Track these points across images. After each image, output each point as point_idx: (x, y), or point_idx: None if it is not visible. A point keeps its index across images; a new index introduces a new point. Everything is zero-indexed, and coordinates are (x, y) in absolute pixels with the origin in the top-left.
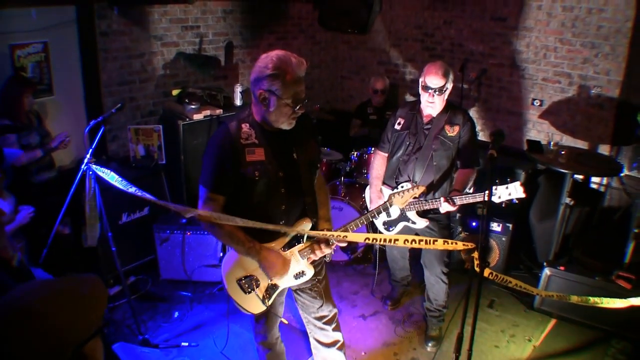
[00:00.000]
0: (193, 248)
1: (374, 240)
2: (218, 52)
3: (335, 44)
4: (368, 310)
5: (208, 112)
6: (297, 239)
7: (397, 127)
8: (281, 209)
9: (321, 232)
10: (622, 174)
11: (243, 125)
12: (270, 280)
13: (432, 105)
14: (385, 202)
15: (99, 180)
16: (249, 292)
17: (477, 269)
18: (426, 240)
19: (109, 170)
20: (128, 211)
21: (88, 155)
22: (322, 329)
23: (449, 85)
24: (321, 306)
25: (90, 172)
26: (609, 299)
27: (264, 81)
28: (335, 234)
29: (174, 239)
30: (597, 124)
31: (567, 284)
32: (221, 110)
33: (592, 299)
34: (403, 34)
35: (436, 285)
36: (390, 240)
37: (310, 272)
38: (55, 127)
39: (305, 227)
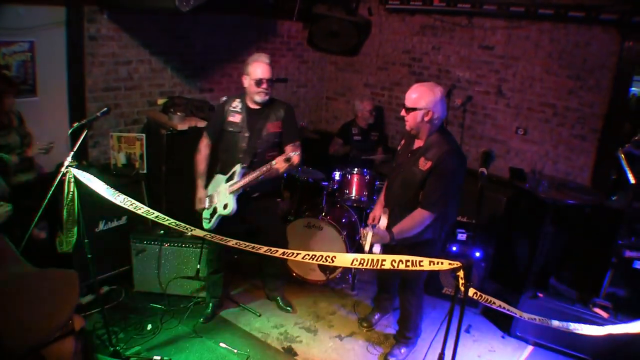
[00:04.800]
0: (169, 260)
1: (361, 263)
2: (206, 65)
3: (323, 64)
4: (345, 331)
5: (193, 123)
6: (231, 178)
7: (399, 148)
8: (239, 156)
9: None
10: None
11: (236, 100)
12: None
13: (405, 122)
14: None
15: (79, 184)
16: (208, 208)
17: (461, 288)
18: (413, 262)
19: (91, 176)
20: (105, 219)
21: (69, 158)
22: None
23: (421, 107)
24: None
25: (71, 176)
26: (588, 325)
27: (245, 68)
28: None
29: (150, 250)
30: (579, 155)
31: (546, 311)
32: (205, 122)
33: (572, 325)
34: (391, 58)
35: (403, 311)
36: (377, 262)
37: (232, 206)
38: (36, 128)
39: (236, 169)
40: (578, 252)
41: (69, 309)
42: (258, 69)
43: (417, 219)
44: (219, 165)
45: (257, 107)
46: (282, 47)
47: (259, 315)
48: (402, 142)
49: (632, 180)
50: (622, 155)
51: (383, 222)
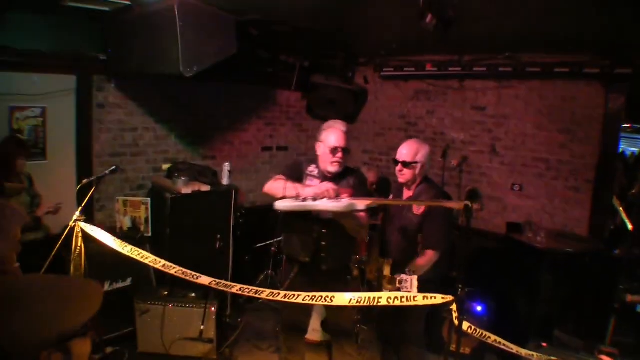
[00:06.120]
0: (173, 321)
1: (359, 302)
2: (208, 132)
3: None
4: None
5: (196, 187)
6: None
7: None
8: (314, 222)
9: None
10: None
11: (312, 165)
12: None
13: (402, 176)
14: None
15: (86, 242)
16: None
17: (455, 322)
18: (407, 298)
19: (98, 229)
20: (110, 280)
21: (77, 212)
22: None
23: (419, 161)
24: None
25: (78, 230)
26: None
27: (319, 135)
28: None
29: (154, 311)
30: (575, 207)
31: None
32: (209, 187)
33: None
34: (387, 124)
35: None
36: (374, 300)
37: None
38: (45, 190)
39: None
40: (581, 301)
41: (95, 307)
42: (333, 136)
43: (427, 259)
44: (290, 230)
45: (330, 175)
46: (281, 116)
47: None
48: (391, 197)
49: (630, 227)
50: (620, 207)
51: (386, 272)
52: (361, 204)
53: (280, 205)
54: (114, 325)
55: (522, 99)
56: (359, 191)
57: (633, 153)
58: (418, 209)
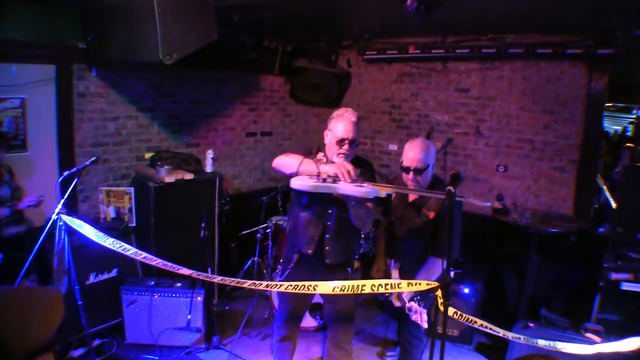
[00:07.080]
0: (161, 311)
1: (342, 290)
2: (192, 120)
3: (306, 116)
4: None
5: (180, 176)
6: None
7: (393, 201)
8: (324, 207)
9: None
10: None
11: (321, 153)
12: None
13: (414, 185)
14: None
15: (70, 235)
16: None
17: (441, 308)
18: (392, 285)
19: (81, 221)
20: (96, 271)
21: (59, 206)
22: None
23: (431, 163)
24: None
25: (61, 223)
26: (576, 344)
27: (328, 123)
28: None
29: (141, 301)
30: (560, 186)
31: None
32: (192, 175)
33: (559, 344)
34: (371, 107)
35: (402, 350)
36: (358, 288)
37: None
38: (26, 183)
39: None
40: (567, 280)
41: (58, 319)
42: (341, 125)
43: (436, 268)
44: (296, 218)
45: None
46: (265, 101)
47: None
48: (394, 196)
49: (614, 205)
50: (604, 185)
51: (395, 277)
52: (384, 191)
53: (297, 183)
54: (100, 317)
55: (506, 80)
56: (365, 179)
57: (616, 131)
58: (427, 214)
